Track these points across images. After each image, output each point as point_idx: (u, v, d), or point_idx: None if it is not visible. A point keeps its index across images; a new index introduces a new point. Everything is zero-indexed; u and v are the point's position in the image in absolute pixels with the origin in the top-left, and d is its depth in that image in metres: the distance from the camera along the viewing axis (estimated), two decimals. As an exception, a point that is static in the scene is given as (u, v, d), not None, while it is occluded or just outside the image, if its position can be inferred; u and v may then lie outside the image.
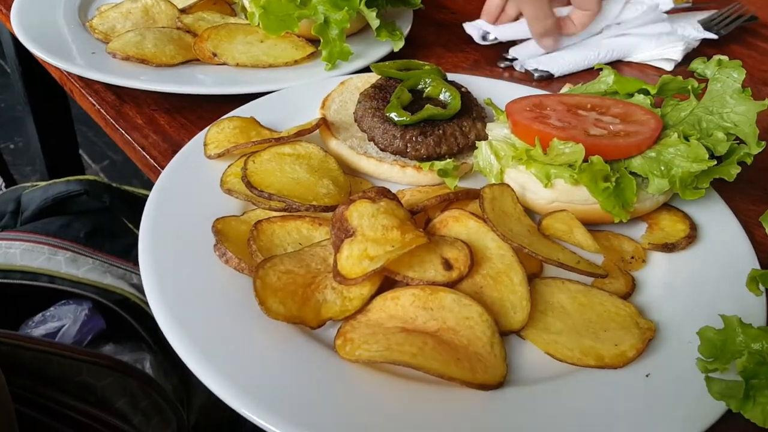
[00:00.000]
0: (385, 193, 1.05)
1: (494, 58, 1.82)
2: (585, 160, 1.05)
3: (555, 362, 0.92)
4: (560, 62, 1.73)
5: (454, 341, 0.89)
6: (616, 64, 1.83)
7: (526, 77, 1.74)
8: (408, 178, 1.22)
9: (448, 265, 0.98)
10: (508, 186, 1.12)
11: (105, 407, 1.77)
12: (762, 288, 0.89)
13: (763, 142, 1.12)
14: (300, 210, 1.05)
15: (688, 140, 1.09)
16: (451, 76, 1.45)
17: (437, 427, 0.81)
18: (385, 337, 0.87)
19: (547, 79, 1.73)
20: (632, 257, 1.09)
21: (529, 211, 1.15)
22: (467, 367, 0.85)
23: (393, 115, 1.21)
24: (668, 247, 1.09)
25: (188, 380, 1.93)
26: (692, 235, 1.11)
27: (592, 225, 1.14)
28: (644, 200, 1.11)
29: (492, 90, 1.46)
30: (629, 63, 1.84)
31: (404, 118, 1.20)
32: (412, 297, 0.94)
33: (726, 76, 1.18)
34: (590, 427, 0.83)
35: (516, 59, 1.76)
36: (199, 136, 1.24)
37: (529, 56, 1.77)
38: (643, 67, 1.84)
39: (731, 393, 0.75)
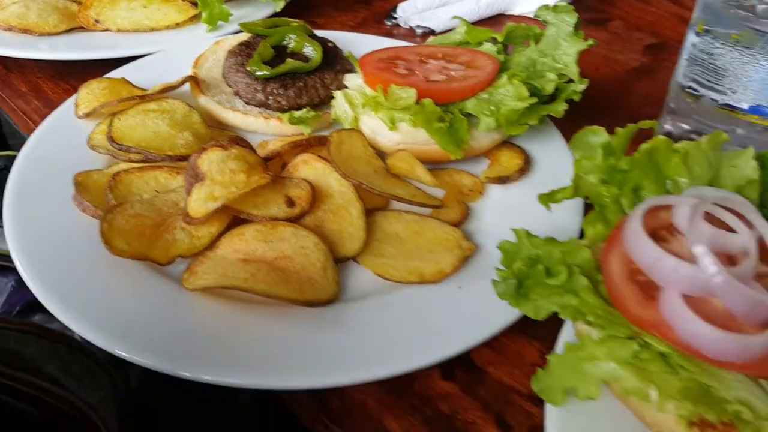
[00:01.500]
0: (237, 141, 1.14)
1: (383, 16, 1.90)
2: (418, 104, 1.15)
3: (387, 283, 1.03)
4: (442, 18, 1.82)
5: (289, 267, 0.99)
6: (498, 18, 1.93)
7: (411, 33, 1.83)
8: (272, 129, 1.30)
9: (291, 203, 1.07)
10: (358, 131, 1.22)
11: (35, 372, 1.84)
12: (553, 205, 0.99)
13: (586, 79, 1.23)
14: (157, 160, 1.13)
15: (516, 81, 1.20)
16: (332, 35, 1.53)
17: (276, 338, 0.92)
18: (223, 267, 0.97)
19: (429, 34, 1.81)
20: (470, 190, 1.20)
21: (384, 154, 1.25)
22: (296, 288, 0.95)
23: (255, 69, 1.28)
24: (502, 180, 1.20)
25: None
26: (525, 168, 1.22)
27: (438, 164, 1.25)
28: (480, 138, 1.22)
29: (366, 46, 1.54)
30: (511, 16, 1.94)
31: (265, 72, 1.28)
32: (254, 231, 1.03)
33: (561, 21, 1.29)
34: (410, 330, 0.94)
35: (401, 16, 1.85)
36: (72, 98, 1.30)
37: (413, 13, 1.85)
38: (523, 20, 1.93)
39: (509, 292, 0.86)
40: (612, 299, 0.80)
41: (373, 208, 1.13)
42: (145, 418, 1.96)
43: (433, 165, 1.23)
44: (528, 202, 1.15)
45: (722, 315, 0.75)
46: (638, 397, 0.77)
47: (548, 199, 0.95)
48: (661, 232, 0.85)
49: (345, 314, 0.97)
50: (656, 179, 0.93)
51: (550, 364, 0.83)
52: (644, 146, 0.92)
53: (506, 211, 1.16)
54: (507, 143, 1.28)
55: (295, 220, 1.06)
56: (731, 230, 0.80)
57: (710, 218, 0.82)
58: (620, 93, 1.62)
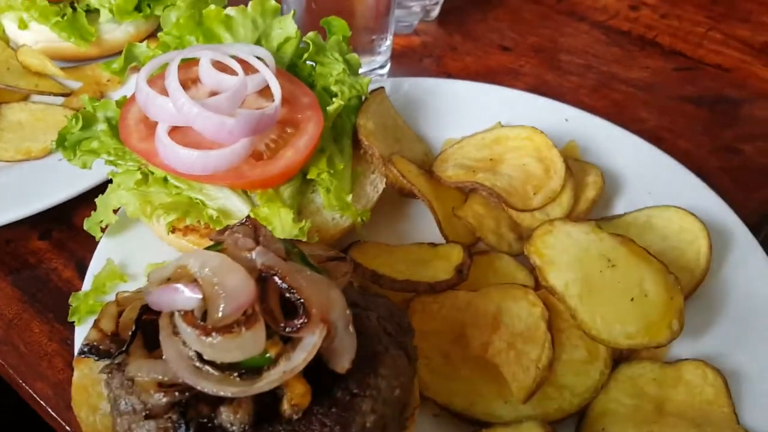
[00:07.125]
0: None
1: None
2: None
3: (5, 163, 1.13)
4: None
5: None
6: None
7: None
8: None
9: None
10: (-10, 34, 1.28)
11: None
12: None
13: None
14: None
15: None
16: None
17: None
18: None
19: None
20: (108, 80, 1.30)
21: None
22: None
23: None
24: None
25: None
26: (162, 56, 1.33)
27: (83, 60, 1.33)
28: (113, 31, 1.31)
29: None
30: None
31: None
32: None
33: None
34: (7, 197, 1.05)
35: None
36: None
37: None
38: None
39: (69, 151, 0.98)
40: (123, 139, 0.93)
41: (5, 101, 1.22)
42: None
43: (82, 62, 1.32)
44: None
45: (199, 139, 0.90)
46: (142, 216, 0.92)
47: (113, 69, 1.06)
48: (190, 83, 0.99)
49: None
50: (205, 41, 1.06)
51: (97, 204, 0.97)
52: (192, 12, 1.05)
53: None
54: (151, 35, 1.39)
55: None
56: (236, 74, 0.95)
57: (224, 66, 0.96)
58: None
